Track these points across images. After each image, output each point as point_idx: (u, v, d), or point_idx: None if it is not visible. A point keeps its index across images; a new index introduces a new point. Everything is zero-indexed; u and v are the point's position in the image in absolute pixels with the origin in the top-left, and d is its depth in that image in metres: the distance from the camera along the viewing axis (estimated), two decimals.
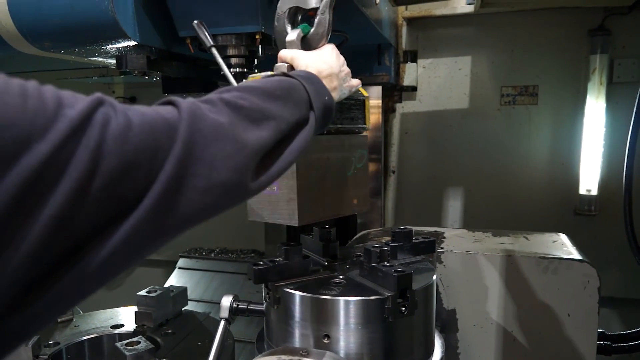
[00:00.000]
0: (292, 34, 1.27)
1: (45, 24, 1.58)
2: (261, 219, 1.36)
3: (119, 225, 0.64)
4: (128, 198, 0.65)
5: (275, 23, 1.31)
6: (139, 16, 1.58)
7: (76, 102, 0.62)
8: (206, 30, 1.52)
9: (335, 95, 1.19)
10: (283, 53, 1.25)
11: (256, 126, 0.86)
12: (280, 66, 1.23)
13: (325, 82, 1.14)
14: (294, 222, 1.28)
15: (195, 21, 1.52)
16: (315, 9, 1.26)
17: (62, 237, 0.59)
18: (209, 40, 1.51)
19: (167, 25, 1.69)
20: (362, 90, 1.44)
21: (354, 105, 1.41)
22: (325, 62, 1.20)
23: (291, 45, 1.27)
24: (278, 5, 1.30)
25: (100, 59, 1.90)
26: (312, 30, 1.27)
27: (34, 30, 1.62)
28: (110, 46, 1.67)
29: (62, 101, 0.61)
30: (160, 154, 0.68)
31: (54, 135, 0.57)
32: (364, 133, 1.48)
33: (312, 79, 1.08)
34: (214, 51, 1.51)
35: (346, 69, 1.26)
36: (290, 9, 1.28)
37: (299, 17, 1.30)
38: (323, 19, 1.25)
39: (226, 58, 1.78)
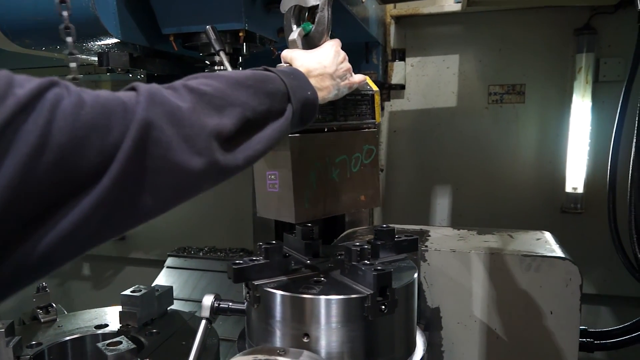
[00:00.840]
0: (293, 34, 1.29)
1: (25, 21, 1.57)
2: (268, 215, 1.37)
3: (75, 203, 0.66)
4: (81, 176, 0.66)
5: (284, 22, 1.33)
6: (121, 13, 1.57)
7: (27, 83, 0.64)
8: (215, 34, 1.53)
9: (326, 94, 1.20)
10: (284, 53, 1.27)
11: (217, 112, 0.86)
12: (281, 66, 1.25)
13: (315, 80, 1.15)
14: (292, 220, 1.28)
15: (208, 26, 1.54)
16: (315, 7, 1.27)
17: (11, 212, 0.61)
18: (218, 45, 1.51)
19: (150, 22, 1.68)
20: (371, 84, 1.43)
21: (361, 100, 1.40)
22: (318, 61, 1.20)
23: (292, 44, 1.30)
24: (281, 4, 1.33)
25: (84, 57, 1.89)
26: (312, 28, 1.28)
27: (14, 28, 1.60)
28: (92, 43, 1.65)
29: (13, 82, 0.63)
30: (114, 133, 0.69)
31: (1, 112, 0.59)
32: (373, 128, 1.45)
33: (294, 74, 1.09)
34: (222, 55, 1.51)
35: (345, 66, 1.26)
36: (292, 8, 1.30)
37: (305, 15, 1.31)
38: (322, 16, 1.27)
39: (209, 55, 1.78)
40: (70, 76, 1.27)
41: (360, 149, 1.40)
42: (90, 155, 0.67)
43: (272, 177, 1.32)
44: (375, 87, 1.44)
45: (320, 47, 1.27)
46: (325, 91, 1.19)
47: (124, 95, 0.76)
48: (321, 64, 1.20)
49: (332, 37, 1.93)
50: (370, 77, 2.79)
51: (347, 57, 1.29)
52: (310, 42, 1.29)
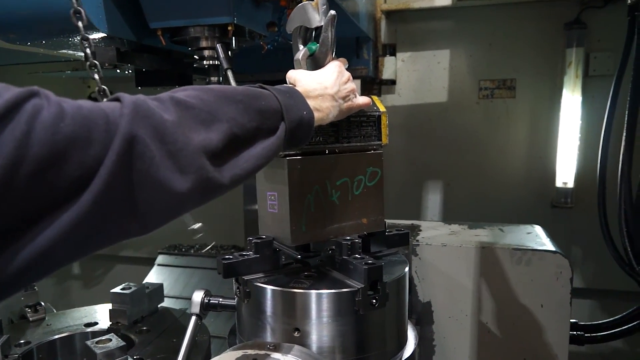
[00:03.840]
0: (298, 54, 1.28)
1: (9, 15, 1.54)
2: (270, 233, 1.35)
3: (53, 219, 0.64)
4: (60, 190, 0.64)
5: (292, 41, 1.32)
6: (107, 6, 1.55)
7: (5, 92, 0.62)
8: (224, 52, 1.53)
9: (325, 115, 1.15)
10: (289, 73, 1.24)
11: (204, 127, 0.83)
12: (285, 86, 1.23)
13: (314, 101, 1.12)
14: (288, 243, 1.27)
15: (217, 44, 1.54)
16: (319, 28, 1.26)
17: None
18: (226, 63, 1.50)
19: (138, 16, 1.65)
20: (379, 104, 1.40)
21: (367, 121, 1.36)
22: (319, 82, 1.17)
23: (297, 64, 1.28)
24: (287, 25, 1.32)
25: (70, 52, 1.86)
26: (317, 48, 1.27)
27: None
28: (78, 38, 1.63)
29: None
30: (95, 146, 0.67)
31: None
32: (379, 150, 1.41)
33: (290, 93, 1.06)
34: (229, 74, 1.50)
35: (349, 87, 1.23)
36: (297, 28, 1.29)
37: (312, 35, 1.29)
38: (325, 37, 1.25)
39: (199, 50, 1.76)
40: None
41: (363, 171, 1.36)
42: (70, 169, 0.65)
43: (272, 197, 1.31)
44: (382, 108, 1.40)
45: (323, 68, 1.24)
46: (324, 112, 1.15)
47: (107, 106, 0.73)
48: (322, 84, 1.17)
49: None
50: (361, 73, 2.82)
51: (351, 78, 1.26)
52: (315, 62, 1.27)
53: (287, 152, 1.23)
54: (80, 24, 1.27)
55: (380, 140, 1.40)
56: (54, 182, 0.63)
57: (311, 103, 1.10)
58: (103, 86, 1.35)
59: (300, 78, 1.20)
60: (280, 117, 0.99)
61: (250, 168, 0.90)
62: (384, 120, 1.40)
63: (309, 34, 1.29)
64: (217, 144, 0.83)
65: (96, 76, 1.34)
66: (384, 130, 1.40)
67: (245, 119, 0.91)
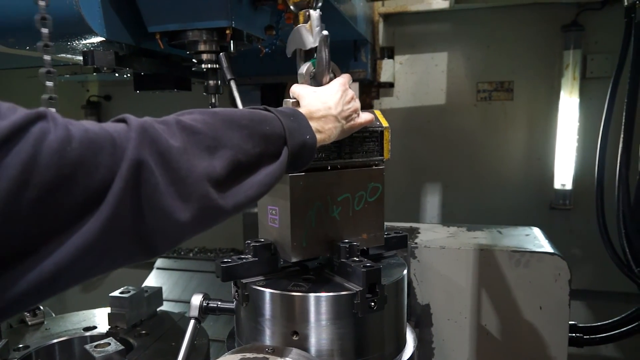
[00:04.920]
0: (302, 67, 1.30)
1: (8, 20, 1.54)
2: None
3: (58, 244, 0.63)
4: (65, 214, 0.64)
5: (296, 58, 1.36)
6: (106, 11, 1.55)
7: (12, 114, 0.61)
8: (228, 62, 1.54)
9: (327, 136, 1.14)
10: (293, 88, 1.25)
11: (208, 154, 0.82)
12: (287, 101, 1.25)
13: (317, 122, 1.11)
14: (288, 259, 1.27)
15: (221, 54, 1.55)
16: (315, 48, 1.29)
17: None
18: (229, 73, 1.52)
19: (136, 20, 1.66)
20: (382, 119, 1.40)
21: (369, 137, 1.36)
22: (323, 101, 1.16)
23: (301, 78, 1.30)
24: (286, 49, 1.35)
25: (69, 56, 1.86)
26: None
27: None
28: (77, 42, 1.63)
29: None
30: (101, 171, 0.66)
31: None
32: (381, 166, 1.41)
33: (295, 116, 1.05)
34: (232, 84, 1.51)
35: (352, 107, 1.22)
36: (295, 50, 1.33)
37: (310, 54, 1.32)
38: (320, 57, 1.28)
39: (197, 54, 1.76)
40: (43, 70, 1.24)
41: (364, 187, 1.36)
42: (76, 193, 0.64)
43: (273, 212, 1.31)
44: (385, 123, 1.40)
45: (327, 86, 1.24)
46: (327, 134, 1.14)
47: (113, 129, 0.72)
48: (326, 104, 1.15)
49: None
50: (359, 76, 2.82)
51: (355, 97, 1.25)
52: (314, 80, 1.30)
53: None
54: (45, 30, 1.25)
55: (382, 155, 1.40)
56: (59, 206, 0.63)
57: (314, 125, 1.09)
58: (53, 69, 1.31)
59: (304, 95, 1.19)
60: (284, 142, 0.98)
61: (253, 195, 0.89)
62: (387, 136, 1.40)
63: (308, 55, 1.32)
64: (221, 172, 0.83)
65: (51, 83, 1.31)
66: (387, 146, 1.40)
67: (250, 145, 0.90)
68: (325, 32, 1.28)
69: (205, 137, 0.83)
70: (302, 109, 1.12)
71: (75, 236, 0.64)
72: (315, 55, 1.30)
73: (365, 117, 1.28)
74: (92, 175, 0.65)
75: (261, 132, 0.93)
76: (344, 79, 1.26)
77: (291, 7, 1.35)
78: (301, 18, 1.32)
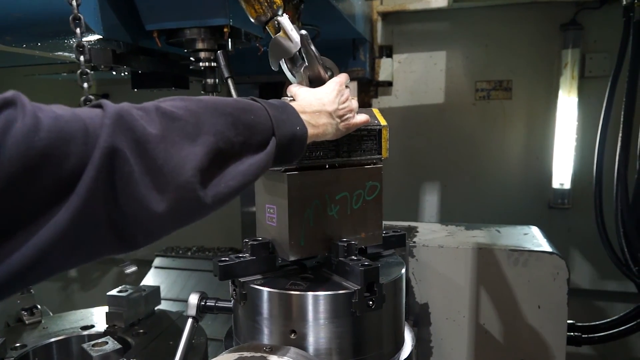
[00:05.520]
0: (301, 66, 1.28)
1: (4, 18, 1.53)
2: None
3: (27, 237, 0.61)
4: (34, 207, 0.62)
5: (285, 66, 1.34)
6: (103, 8, 1.54)
7: None
8: (226, 60, 1.52)
9: (321, 131, 1.12)
10: (290, 88, 1.24)
11: (189, 141, 0.78)
12: (285, 99, 1.22)
13: (309, 116, 1.09)
14: (286, 257, 1.26)
15: (219, 51, 1.54)
16: (298, 52, 1.26)
17: None
18: (227, 71, 1.50)
19: (134, 18, 1.65)
20: (380, 117, 1.40)
21: (367, 136, 1.36)
22: (318, 98, 1.15)
23: (299, 76, 1.28)
24: (271, 64, 1.32)
25: (66, 54, 1.86)
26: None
27: None
28: (74, 40, 1.62)
29: None
30: (72, 161, 0.64)
31: None
32: (379, 164, 1.40)
33: (284, 108, 1.02)
34: (230, 83, 1.50)
35: (348, 106, 1.20)
36: (282, 60, 1.30)
37: (299, 57, 1.29)
38: (308, 56, 1.26)
39: (195, 52, 1.76)
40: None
41: (362, 185, 1.36)
42: (44, 185, 0.61)
43: (271, 211, 1.31)
44: (383, 122, 1.40)
45: (324, 85, 1.23)
46: (320, 129, 1.12)
47: (87, 115, 0.68)
48: (320, 100, 1.14)
49: (320, 34, 1.93)
50: (358, 74, 2.82)
51: (351, 97, 1.24)
52: (312, 81, 1.28)
53: (287, 167, 1.22)
54: (78, 30, 1.27)
55: (381, 154, 1.39)
56: (26, 199, 0.60)
57: (306, 118, 1.06)
58: (90, 95, 1.34)
59: (299, 93, 1.18)
60: (271, 133, 0.95)
61: (235, 186, 0.85)
62: (385, 134, 1.39)
63: (295, 60, 1.29)
64: (202, 160, 0.79)
65: (85, 85, 1.33)
66: (385, 144, 1.39)
67: (232, 132, 0.86)
68: (303, 32, 1.25)
69: (187, 123, 0.79)
70: (295, 104, 1.09)
71: (44, 229, 0.62)
72: (304, 57, 1.27)
73: (361, 118, 1.26)
74: (62, 165, 0.63)
75: (245, 121, 0.90)
76: (340, 78, 1.25)
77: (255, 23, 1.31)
78: (272, 30, 1.28)
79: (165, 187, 0.73)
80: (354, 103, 1.24)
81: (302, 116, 1.05)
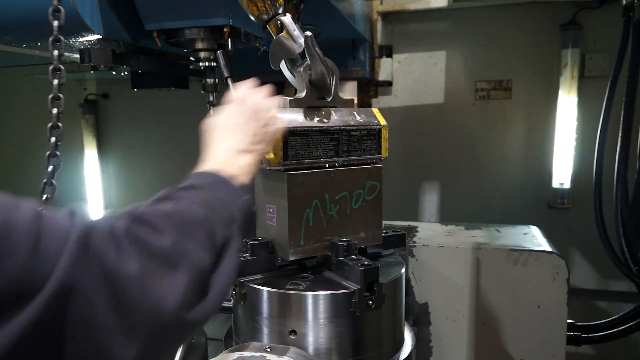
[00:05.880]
0: (300, 66, 1.27)
1: (4, 18, 1.53)
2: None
3: None
4: None
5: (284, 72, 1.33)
6: (103, 8, 1.54)
7: None
8: (225, 60, 1.51)
9: (252, 167, 1.01)
10: (207, 120, 1.07)
11: (171, 271, 0.66)
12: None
13: (236, 168, 0.96)
14: (286, 257, 1.26)
15: (219, 51, 1.52)
16: (302, 52, 1.26)
17: None
18: (227, 71, 1.50)
19: (133, 18, 1.65)
20: (379, 117, 1.40)
21: (367, 135, 1.35)
22: (226, 149, 1.00)
23: (298, 75, 1.28)
24: (271, 63, 1.32)
25: (66, 54, 1.85)
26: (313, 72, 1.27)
27: None
28: (74, 40, 1.62)
29: None
30: (4, 282, 0.50)
31: None
32: (378, 164, 1.39)
33: (218, 194, 0.87)
34: (230, 82, 1.49)
35: (261, 129, 1.06)
36: (284, 61, 1.29)
37: (300, 59, 1.29)
38: (313, 57, 1.25)
39: (194, 52, 1.76)
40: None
41: (362, 185, 1.35)
42: None
43: (271, 210, 1.30)
44: (383, 121, 1.39)
45: (230, 114, 1.08)
46: (250, 166, 1.00)
47: (48, 225, 0.55)
48: (232, 147, 1.00)
49: (320, 34, 1.92)
50: (357, 74, 2.82)
51: (263, 107, 1.11)
52: (317, 86, 1.28)
53: (287, 167, 1.22)
54: (56, 23, 1.24)
55: (380, 154, 1.39)
56: None
57: (233, 171, 0.94)
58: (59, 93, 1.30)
59: (209, 142, 1.02)
60: (233, 219, 0.86)
61: (224, 294, 0.77)
62: (384, 134, 1.39)
63: (295, 60, 1.29)
64: (187, 285, 0.68)
65: (55, 81, 1.30)
66: (384, 144, 1.39)
67: (210, 241, 0.76)
68: (308, 33, 1.24)
69: (162, 250, 0.67)
70: (211, 163, 0.95)
71: None
72: (306, 57, 1.26)
73: (278, 125, 1.14)
74: None
75: (219, 220, 0.81)
76: (241, 93, 1.12)
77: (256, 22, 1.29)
78: (273, 29, 1.27)
79: (137, 329, 0.61)
80: (269, 110, 1.13)
81: (228, 171, 0.93)
